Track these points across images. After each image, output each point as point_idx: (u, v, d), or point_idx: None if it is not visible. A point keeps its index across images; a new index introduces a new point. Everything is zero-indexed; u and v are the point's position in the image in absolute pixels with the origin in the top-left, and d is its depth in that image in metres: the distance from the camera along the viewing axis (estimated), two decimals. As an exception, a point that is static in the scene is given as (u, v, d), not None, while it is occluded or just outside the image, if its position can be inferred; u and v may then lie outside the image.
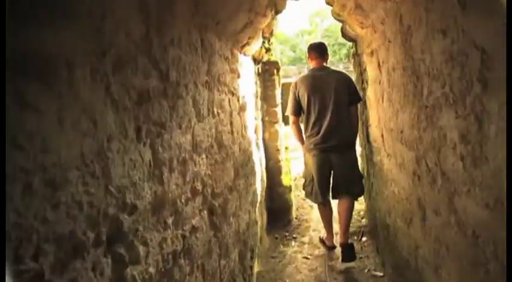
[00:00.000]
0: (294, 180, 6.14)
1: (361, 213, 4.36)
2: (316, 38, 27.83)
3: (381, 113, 2.56)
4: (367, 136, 3.34)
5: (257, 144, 3.47)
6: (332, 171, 3.22)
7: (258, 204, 3.28)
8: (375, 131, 2.87)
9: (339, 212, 3.28)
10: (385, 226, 2.78)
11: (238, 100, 2.64)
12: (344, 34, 3.27)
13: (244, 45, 2.73)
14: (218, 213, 1.92)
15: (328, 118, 3.05)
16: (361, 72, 3.27)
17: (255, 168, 3.14)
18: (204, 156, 1.71)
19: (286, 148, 5.59)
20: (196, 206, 1.56)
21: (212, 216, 1.84)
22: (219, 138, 2.02)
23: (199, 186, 1.60)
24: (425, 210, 1.81)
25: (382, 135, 2.58)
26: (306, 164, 3.43)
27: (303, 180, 3.50)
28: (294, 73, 17.15)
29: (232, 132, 2.36)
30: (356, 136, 3.32)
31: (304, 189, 3.49)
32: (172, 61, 1.27)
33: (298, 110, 3.25)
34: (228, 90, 2.31)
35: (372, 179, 3.26)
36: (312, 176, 3.24)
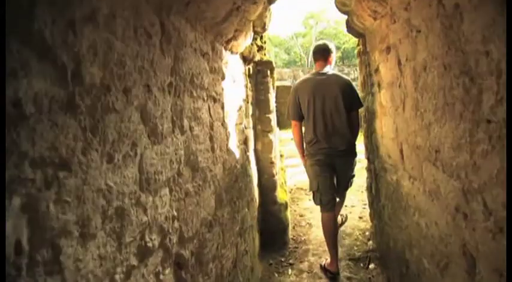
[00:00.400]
0: (290, 192, 5.61)
1: (367, 233, 3.85)
2: (310, 41, 27.52)
3: (400, 124, 2.05)
4: (376, 149, 2.83)
5: (247, 157, 2.96)
6: (335, 177, 3.13)
7: (249, 229, 2.76)
8: (390, 145, 2.36)
9: None
10: (403, 261, 2.27)
11: (222, 107, 2.12)
12: (350, 28, 2.77)
13: (230, 40, 2.22)
14: (190, 264, 1.40)
15: (329, 123, 2.98)
16: (370, 74, 2.77)
17: (244, 189, 2.62)
18: (165, 192, 1.19)
19: (281, 155, 5.06)
20: (149, 271, 1.03)
21: (180, 271, 1.32)
22: (192, 160, 1.50)
23: (154, 240, 1.07)
24: (474, 262, 1.30)
25: (402, 152, 2.08)
26: (310, 175, 3.20)
27: (311, 193, 3.29)
28: (288, 76, 16.74)
29: (212, 150, 1.84)
30: (355, 141, 3.18)
31: (314, 201, 3.26)
32: (92, 50, 0.75)
33: (299, 115, 3.11)
34: (207, 95, 1.79)
35: (384, 200, 2.75)
36: (318, 185, 3.08)
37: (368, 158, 3.33)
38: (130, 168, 0.92)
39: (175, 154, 1.29)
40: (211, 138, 1.81)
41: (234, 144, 2.37)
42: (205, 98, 1.76)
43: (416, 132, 1.75)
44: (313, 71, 3.21)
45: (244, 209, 2.58)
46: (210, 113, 1.84)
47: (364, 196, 4.86)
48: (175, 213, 1.28)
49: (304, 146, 3.20)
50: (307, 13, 29.83)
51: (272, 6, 2.83)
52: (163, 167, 1.16)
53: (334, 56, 3.22)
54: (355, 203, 4.82)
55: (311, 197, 3.38)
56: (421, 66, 1.57)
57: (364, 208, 4.58)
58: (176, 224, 1.29)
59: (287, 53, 29.90)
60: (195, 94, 1.57)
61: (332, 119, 2.96)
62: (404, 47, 1.80)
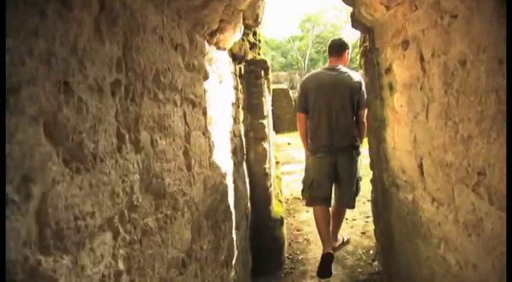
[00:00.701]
0: (286, 202, 5.21)
1: (371, 252, 3.47)
2: (307, 44, 27.20)
3: (420, 134, 1.69)
4: (386, 161, 2.46)
5: (237, 170, 2.58)
6: (336, 176, 3.00)
7: (238, 253, 2.38)
8: (404, 158, 1.99)
9: (331, 214, 3.05)
10: (421, 297, 1.90)
11: (204, 113, 1.75)
12: (355, 22, 2.41)
13: (214, 32, 1.85)
14: (148, 330, 1.02)
15: (334, 120, 2.89)
16: (379, 74, 2.40)
17: (233, 208, 2.24)
18: (103, 239, 0.81)
19: (277, 162, 4.65)
20: None
21: None
22: (155, 185, 1.12)
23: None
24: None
25: (421, 168, 1.71)
26: (307, 169, 3.08)
27: (301, 186, 3.12)
28: (285, 79, 16.36)
29: (188, 167, 1.46)
30: (361, 140, 3.08)
31: (303, 194, 3.15)
32: None
33: (306, 107, 3.01)
34: (181, 98, 1.42)
35: (394, 220, 2.38)
36: (312, 181, 2.97)
37: (374, 170, 2.96)
38: (13, 223, 0.54)
39: (123, 181, 0.91)
40: (186, 153, 1.43)
41: (219, 157, 1.99)
42: (179, 102, 1.39)
43: (446, 146, 1.38)
44: (326, 65, 3.15)
45: (232, 233, 2.20)
46: (185, 120, 1.46)
47: (366, 208, 4.48)
48: (123, 266, 0.90)
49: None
50: (304, 16, 29.54)
51: (266, -3, 2.48)
52: (98, 204, 0.78)
53: (350, 53, 3.12)
54: (357, 216, 4.43)
55: (309, 206, 3.15)
56: (458, 61, 1.21)
57: (366, 222, 4.20)
58: (125, 280, 0.91)
59: (284, 56, 29.59)
60: (161, 96, 1.19)
61: (337, 116, 2.88)
62: (430, 39, 1.43)
